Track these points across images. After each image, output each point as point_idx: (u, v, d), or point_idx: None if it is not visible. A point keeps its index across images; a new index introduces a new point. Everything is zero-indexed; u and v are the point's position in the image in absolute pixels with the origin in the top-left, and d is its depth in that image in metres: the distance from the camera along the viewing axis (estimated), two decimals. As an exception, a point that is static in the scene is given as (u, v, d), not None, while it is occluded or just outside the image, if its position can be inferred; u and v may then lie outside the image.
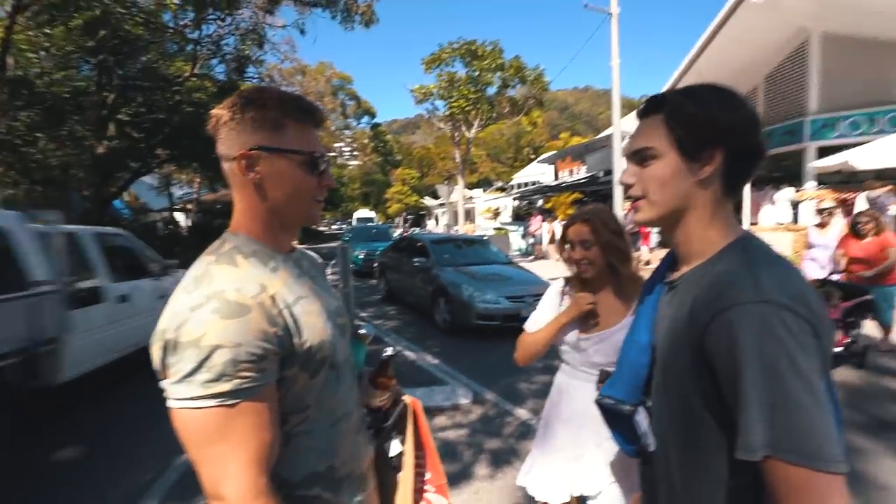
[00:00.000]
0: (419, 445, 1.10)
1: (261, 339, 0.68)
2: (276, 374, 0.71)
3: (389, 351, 1.04)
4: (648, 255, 10.68)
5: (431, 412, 3.62)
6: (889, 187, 7.81)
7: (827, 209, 5.28)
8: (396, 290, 8.45)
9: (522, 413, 3.60)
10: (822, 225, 5.19)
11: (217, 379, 0.64)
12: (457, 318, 6.12)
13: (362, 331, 1.05)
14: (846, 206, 8.12)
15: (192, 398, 0.65)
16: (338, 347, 0.84)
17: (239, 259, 0.76)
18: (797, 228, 7.81)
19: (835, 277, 4.50)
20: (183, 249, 15.63)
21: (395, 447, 1.03)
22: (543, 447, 1.56)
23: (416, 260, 7.44)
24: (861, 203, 7.81)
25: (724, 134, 0.73)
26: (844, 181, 9.48)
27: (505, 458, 2.93)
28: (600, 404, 0.99)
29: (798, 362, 0.61)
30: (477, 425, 3.44)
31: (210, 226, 20.18)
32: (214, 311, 0.66)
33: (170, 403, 0.67)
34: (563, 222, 1.56)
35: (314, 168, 0.81)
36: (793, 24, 10.08)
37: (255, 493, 0.66)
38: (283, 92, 0.83)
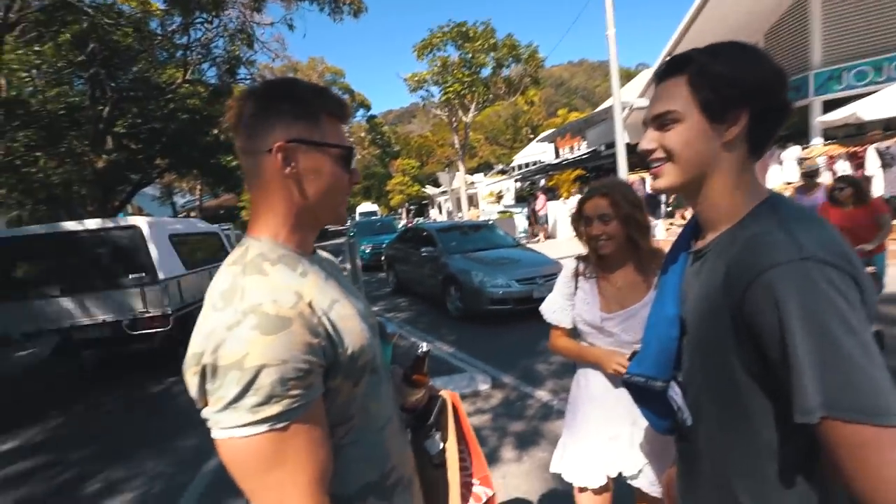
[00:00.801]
0: (461, 440, 1.07)
1: (306, 353, 0.63)
2: (322, 387, 0.68)
3: (424, 347, 1.00)
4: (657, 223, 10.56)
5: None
6: (899, 138, 7.62)
7: (810, 170, 4.75)
8: (406, 282, 8.46)
9: (543, 395, 3.62)
10: (806, 187, 4.70)
11: (266, 402, 0.60)
12: (469, 305, 6.13)
13: (388, 329, 1.01)
14: (857, 159, 7.94)
15: (240, 426, 0.60)
16: (375, 350, 0.80)
17: (266, 267, 0.70)
18: (807, 188, 7.70)
19: None
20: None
21: (435, 444, 1.01)
22: (575, 431, 1.53)
23: (423, 250, 7.43)
24: (872, 155, 7.64)
25: (752, 93, 0.70)
26: (851, 134, 9.26)
27: (530, 440, 2.96)
28: (629, 383, 0.96)
29: (847, 317, 0.59)
30: (499, 410, 3.47)
31: (216, 231, 20.32)
32: (254, 327, 0.61)
33: (215, 434, 0.62)
34: (578, 199, 1.50)
35: (348, 163, 0.78)
36: (791, -23, 9.78)
37: None
38: (315, 84, 0.79)
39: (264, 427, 0.60)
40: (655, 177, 0.79)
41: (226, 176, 16.01)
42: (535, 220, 15.44)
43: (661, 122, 0.76)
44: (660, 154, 0.77)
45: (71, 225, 4.86)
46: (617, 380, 1.36)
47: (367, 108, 45.77)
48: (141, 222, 4.82)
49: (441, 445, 1.00)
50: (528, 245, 10.11)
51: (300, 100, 0.73)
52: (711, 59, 0.72)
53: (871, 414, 0.56)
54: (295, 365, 0.61)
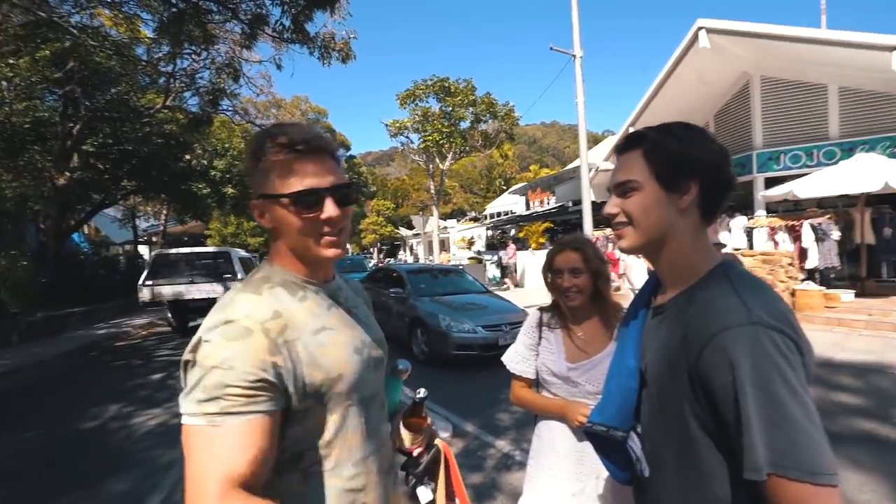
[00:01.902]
0: (450, 495, 1.02)
1: (256, 366, 0.67)
2: (274, 404, 0.69)
3: (422, 393, 0.99)
4: (619, 282, 11.01)
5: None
6: (829, 215, 8.48)
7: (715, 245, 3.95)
8: (372, 322, 8.34)
9: (503, 445, 3.57)
10: None
11: (208, 399, 0.65)
12: (435, 349, 6.08)
13: (399, 366, 0.98)
14: (794, 232, 8.73)
15: (189, 414, 0.66)
16: (364, 381, 0.81)
17: (264, 288, 0.77)
18: (751, 253, 8.30)
19: None
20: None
21: (426, 494, 0.97)
22: (537, 487, 1.49)
23: (392, 290, 7.41)
24: (807, 230, 8.42)
25: (700, 167, 0.79)
26: (790, 209, 10.23)
27: (487, 494, 2.89)
28: (590, 432, 0.98)
29: (790, 379, 0.64)
30: (458, 459, 3.37)
31: (176, 258, 19.43)
32: (221, 333, 0.68)
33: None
34: (548, 251, 1.55)
35: (305, 206, 0.76)
36: (736, 69, 11.08)
37: None
38: (278, 129, 0.78)
39: (203, 421, 0.65)
40: (619, 238, 0.86)
41: (195, 203, 15.64)
42: (514, 267, 15.87)
43: (622, 189, 0.83)
44: (622, 218, 0.84)
45: (196, 249, 10.30)
46: (580, 432, 1.36)
47: (348, 148, 46.56)
48: (229, 250, 10.06)
49: (432, 496, 0.98)
50: (497, 292, 10.26)
51: (256, 155, 0.77)
52: (664, 136, 0.81)
53: (811, 473, 0.60)
54: (241, 373, 0.65)
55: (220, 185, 15.38)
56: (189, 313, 9.40)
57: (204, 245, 24.11)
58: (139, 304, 9.13)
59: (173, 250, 9.96)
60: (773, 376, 0.63)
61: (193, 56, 10.67)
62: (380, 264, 23.48)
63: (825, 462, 0.61)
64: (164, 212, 20.60)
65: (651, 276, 0.96)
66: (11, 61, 9.32)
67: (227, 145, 15.77)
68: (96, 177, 12.64)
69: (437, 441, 1.05)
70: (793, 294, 7.80)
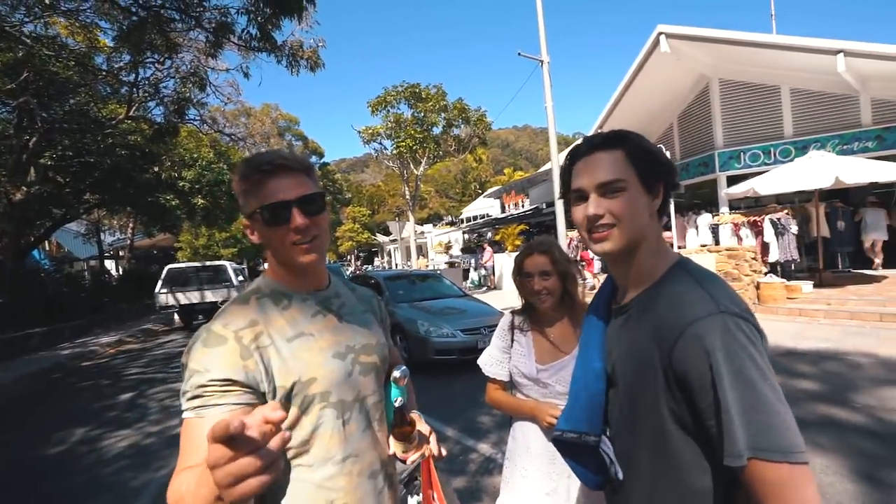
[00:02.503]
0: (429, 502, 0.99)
1: (227, 368, 0.76)
2: (251, 399, 0.78)
3: (398, 402, 0.96)
4: (594, 281, 11.25)
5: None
6: (787, 210, 8.92)
7: None
8: (351, 331, 8.26)
9: (485, 448, 3.59)
10: None
11: (193, 397, 0.76)
12: (414, 355, 6.07)
13: (395, 373, 0.95)
14: (756, 227, 9.14)
15: (183, 410, 0.77)
16: (346, 385, 0.87)
17: (252, 299, 0.87)
18: (717, 249, 8.64)
19: None
20: (113, 300, 14.38)
21: (415, 502, 0.95)
22: (513, 488, 1.52)
23: (370, 298, 7.36)
24: (768, 225, 8.83)
25: (666, 172, 0.83)
26: (751, 206, 10.70)
27: (472, 497, 2.91)
28: (560, 440, 0.95)
29: (760, 364, 0.66)
30: (439, 464, 3.38)
31: (146, 273, 18.70)
32: (202, 340, 0.79)
33: None
34: (515, 254, 1.58)
35: (274, 219, 0.84)
36: (695, 72, 11.56)
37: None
38: (253, 156, 0.89)
39: (191, 414, 0.76)
40: (599, 241, 0.81)
41: (163, 215, 15.12)
42: (491, 269, 16.01)
43: (607, 189, 0.79)
44: (608, 220, 0.79)
45: (200, 263, 13.55)
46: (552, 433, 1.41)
47: (321, 155, 46.03)
48: (225, 264, 12.88)
49: None
50: (475, 295, 10.32)
51: (236, 181, 0.88)
52: (640, 138, 0.81)
53: (787, 453, 0.61)
54: (214, 375, 0.76)
55: (190, 195, 14.92)
56: (195, 314, 11.72)
57: (176, 259, 23.46)
58: (97, 323, 10.65)
59: (182, 265, 13.11)
60: (745, 361, 0.65)
61: (157, 65, 10.39)
62: (357, 272, 23.26)
63: (797, 441, 0.63)
64: (131, 225, 19.85)
65: (607, 278, 0.97)
66: (-41, 72, 8.86)
67: (195, 155, 15.33)
68: (56, 191, 12.08)
69: (424, 449, 1.03)
70: (757, 287, 8.16)
